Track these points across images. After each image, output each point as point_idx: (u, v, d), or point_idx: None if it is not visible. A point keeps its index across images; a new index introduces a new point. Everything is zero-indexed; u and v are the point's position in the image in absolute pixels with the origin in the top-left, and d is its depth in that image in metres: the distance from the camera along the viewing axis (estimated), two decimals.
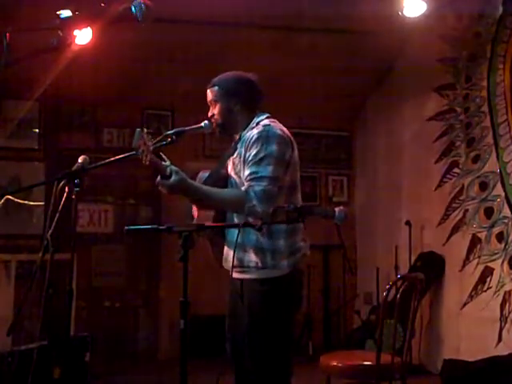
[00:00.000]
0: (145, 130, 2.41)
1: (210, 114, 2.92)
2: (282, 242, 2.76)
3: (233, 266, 2.70)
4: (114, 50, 5.12)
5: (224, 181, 2.88)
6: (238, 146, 2.83)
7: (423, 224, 5.84)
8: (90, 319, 5.93)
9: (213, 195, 2.69)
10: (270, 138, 2.69)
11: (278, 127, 2.78)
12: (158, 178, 2.58)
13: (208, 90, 2.93)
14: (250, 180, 2.65)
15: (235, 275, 2.82)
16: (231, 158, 2.89)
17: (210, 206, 2.79)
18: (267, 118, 2.87)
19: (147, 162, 2.42)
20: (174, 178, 2.54)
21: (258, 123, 2.81)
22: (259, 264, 2.74)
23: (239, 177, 2.78)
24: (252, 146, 2.69)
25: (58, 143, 6.39)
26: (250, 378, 2.82)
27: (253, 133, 2.74)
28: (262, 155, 2.65)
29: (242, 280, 2.84)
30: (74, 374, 4.39)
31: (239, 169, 2.78)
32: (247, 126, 2.87)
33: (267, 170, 2.64)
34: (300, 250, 2.81)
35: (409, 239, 5.77)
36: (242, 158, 2.76)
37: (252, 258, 2.75)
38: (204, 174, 2.98)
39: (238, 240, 2.65)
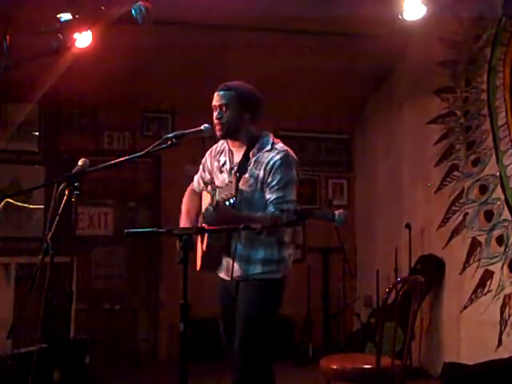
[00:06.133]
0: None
1: (217, 116, 2.94)
2: (287, 252, 3.00)
3: (233, 271, 2.83)
4: (114, 53, 5.12)
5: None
6: (251, 165, 2.96)
7: (423, 227, 5.83)
8: (89, 322, 5.93)
9: (258, 220, 2.81)
10: (291, 164, 2.99)
11: (291, 151, 3.03)
12: (204, 208, 2.77)
13: (220, 92, 2.97)
14: (280, 203, 2.90)
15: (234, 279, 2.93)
16: (243, 177, 2.97)
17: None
18: (274, 138, 3.04)
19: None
20: (220, 207, 2.71)
21: (272, 145, 2.98)
22: (265, 273, 2.93)
23: (252, 194, 2.94)
24: (276, 171, 2.93)
25: (58, 146, 6.39)
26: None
27: (273, 158, 2.94)
28: (286, 180, 2.95)
29: (237, 281, 2.92)
30: (73, 377, 4.40)
31: (254, 188, 2.94)
32: (249, 139, 3.00)
33: (292, 194, 2.96)
34: (291, 255, 3.07)
35: (409, 242, 5.76)
36: (259, 179, 2.94)
37: (258, 269, 2.93)
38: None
39: (244, 253, 2.91)
